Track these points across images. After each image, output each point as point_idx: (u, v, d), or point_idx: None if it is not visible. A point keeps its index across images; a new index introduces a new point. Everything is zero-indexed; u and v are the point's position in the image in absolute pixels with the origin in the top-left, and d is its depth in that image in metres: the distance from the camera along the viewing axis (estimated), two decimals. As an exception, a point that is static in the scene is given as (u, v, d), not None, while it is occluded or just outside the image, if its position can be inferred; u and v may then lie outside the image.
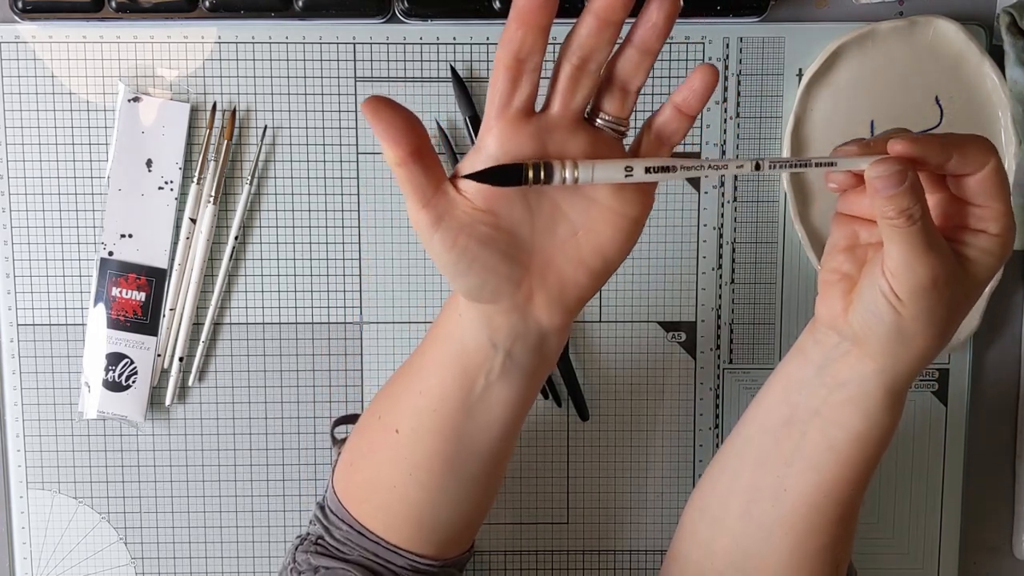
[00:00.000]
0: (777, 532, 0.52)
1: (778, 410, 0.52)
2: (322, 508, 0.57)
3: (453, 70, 0.67)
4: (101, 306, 0.68)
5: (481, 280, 0.45)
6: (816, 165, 0.46)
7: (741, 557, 0.54)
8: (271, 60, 0.68)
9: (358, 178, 0.69)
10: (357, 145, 0.69)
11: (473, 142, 0.67)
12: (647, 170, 0.44)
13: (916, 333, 0.47)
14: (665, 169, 0.44)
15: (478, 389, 0.50)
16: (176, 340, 0.69)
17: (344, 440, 0.60)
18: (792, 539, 0.52)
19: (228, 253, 0.69)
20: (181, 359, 0.69)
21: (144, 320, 0.68)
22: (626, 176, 0.43)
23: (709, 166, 0.45)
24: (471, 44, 0.68)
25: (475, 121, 0.67)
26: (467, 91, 0.67)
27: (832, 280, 0.50)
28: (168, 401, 0.70)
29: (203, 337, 0.69)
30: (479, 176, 0.43)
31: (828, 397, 0.50)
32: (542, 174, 0.42)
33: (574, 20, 0.43)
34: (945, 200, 0.48)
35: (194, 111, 0.68)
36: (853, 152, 0.46)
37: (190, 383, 0.70)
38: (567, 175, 0.43)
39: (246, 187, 0.68)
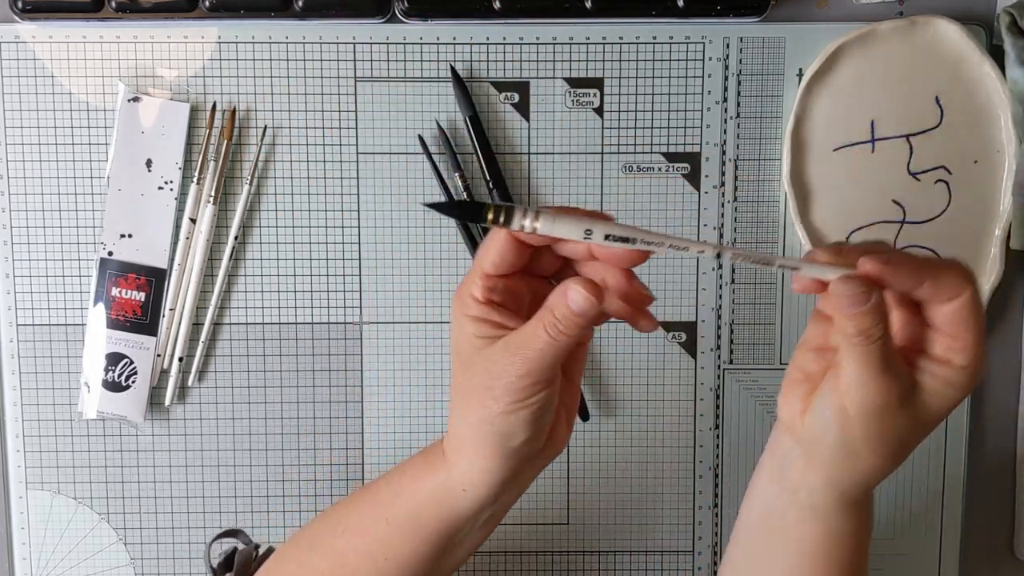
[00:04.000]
0: None
1: (757, 505, 0.51)
2: None
3: (453, 70, 0.67)
4: (101, 306, 0.68)
5: (549, 400, 0.46)
6: (780, 267, 0.45)
7: None
8: (271, 60, 0.68)
9: (358, 178, 0.69)
10: (357, 145, 0.69)
11: (473, 142, 0.67)
12: (606, 237, 0.43)
13: (863, 453, 0.46)
14: (624, 239, 0.43)
15: (455, 544, 0.50)
16: (176, 340, 0.69)
17: (228, 564, 0.59)
18: None
19: (228, 253, 0.69)
20: (181, 359, 0.69)
21: (144, 320, 0.68)
22: (585, 237, 0.43)
23: (670, 245, 0.44)
24: (471, 44, 0.68)
25: (475, 121, 0.67)
26: (467, 91, 0.67)
27: (797, 379, 0.48)
28: (168, 401, 0.70)
29: (203, 337, 0.69)
30: (441, 207, 0.44)
31: (791, 500, 0.49)
32: (502, 217, 0.43)
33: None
34: (912, 320, 0.46)
35: (194, 111, 0.68)
36: (823, 260, 0.45)
37: (190, 383, 0.70)
38: (526, 223, 0.43)
39: (246, 187, 0.68)
